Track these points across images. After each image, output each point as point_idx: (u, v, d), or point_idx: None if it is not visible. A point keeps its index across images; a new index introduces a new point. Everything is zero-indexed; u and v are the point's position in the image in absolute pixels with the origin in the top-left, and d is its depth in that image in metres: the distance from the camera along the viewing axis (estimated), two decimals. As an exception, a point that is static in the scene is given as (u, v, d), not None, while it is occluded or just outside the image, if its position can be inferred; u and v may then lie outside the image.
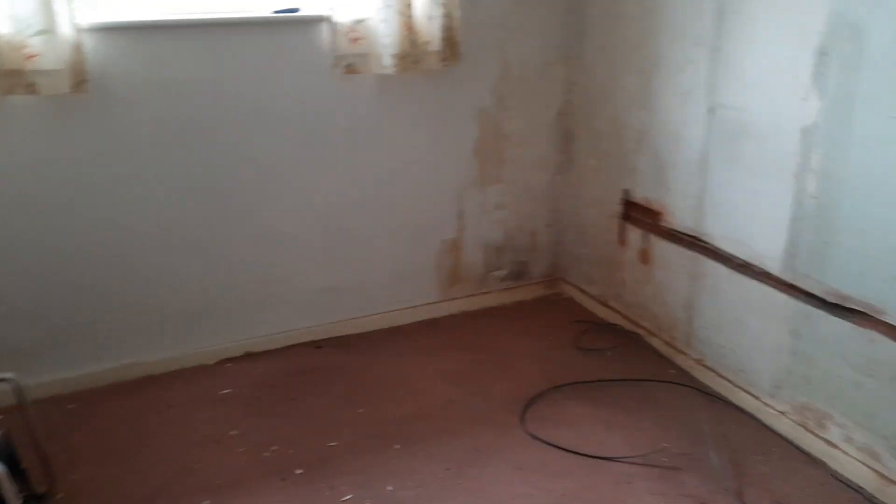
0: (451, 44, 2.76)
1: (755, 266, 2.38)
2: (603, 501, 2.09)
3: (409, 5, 2.62)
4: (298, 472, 2.24)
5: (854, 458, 2.14)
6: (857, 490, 2.11)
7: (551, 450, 2.32)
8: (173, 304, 2.72)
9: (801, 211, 2.18)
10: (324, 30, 2.65)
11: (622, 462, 2.25)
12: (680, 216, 2.65)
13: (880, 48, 1.89)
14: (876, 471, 2.08)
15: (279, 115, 2.68)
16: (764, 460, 2.25)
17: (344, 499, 2.12)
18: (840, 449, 2.18)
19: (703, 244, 2.57)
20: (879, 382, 2.03)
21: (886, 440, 2.05)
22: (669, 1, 2.53)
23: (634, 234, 2.89)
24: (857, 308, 2.06)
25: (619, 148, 2.89)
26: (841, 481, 2.15)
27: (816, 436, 2.25)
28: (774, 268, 2.31)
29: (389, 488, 2.17)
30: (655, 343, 2.86)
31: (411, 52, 2.68)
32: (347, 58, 2.67)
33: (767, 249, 2.32)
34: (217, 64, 2.55)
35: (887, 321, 1.98)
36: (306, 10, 2.68)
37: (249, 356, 2.88)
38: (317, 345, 2.97)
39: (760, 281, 2.36)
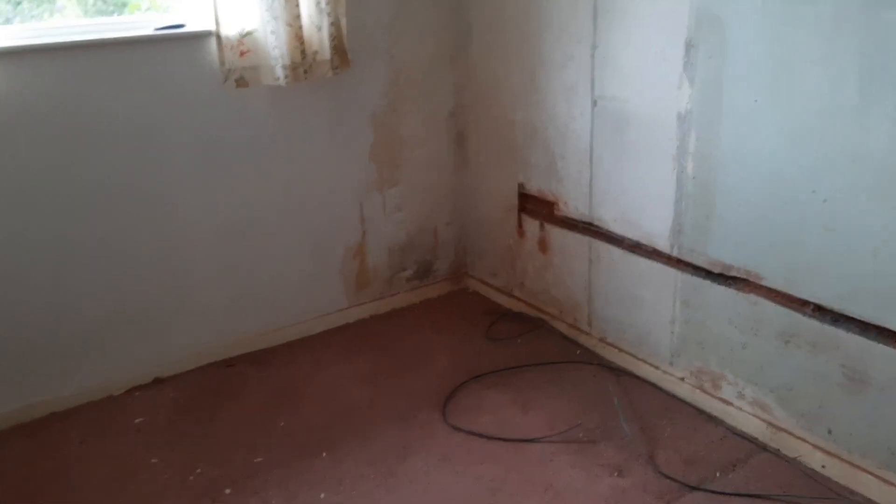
0: (340, 51, 2.79)
1: (646, 245, 2.56)
2: (529, 481, 2.20)
3: (297, 16, 2.62)
4: (227, 491, 2.22)
5: (747, 412, 2.35)
6: (752, 441, 2.32)
7: (475, 438, 2.41)
8: (70, 333, 2.61)
9: (682, 191, 2.37)
10: (211, 44, 2.62)
11: (542, 442, 2.37)
12: (573, 204, 2.81)
13: (741, 38, 2.09)
14: (767, 421, 2.30)
15: (171, 132, 2.63)
16: (669, 423, 2.43)
17: (277, 511, 2.13)
18: (734, 405, 2.39)
19: (596, 229, 2.73)
20: (763, 341, 2.25)
21: (773, 392, 2.26)
22: (549, 2, 2.67)
23: (532, 225, 3.03)
24: (739, 276, 2.27)
25: (510, 144, 3.02)
26: (737, 434, 2.35)
27: (712, 396, 2.45)
28: (663, 245, 2.49)
29: (322, 496, 2.19)
30: (560, 326, 3.01)
31: (302, 63, 2.69)
32: (237, 71, 2.64)
33: (656, 229, 2.50)
34: (103, 84, 2.47)
35: (766, 285, 2.19)
36: (191, 26, 2.64)
37: (159, 382, 2.81)
38: (228, 363, 2.93)
39: (652, 258, 2.55)
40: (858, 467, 2.08)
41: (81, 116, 2.46)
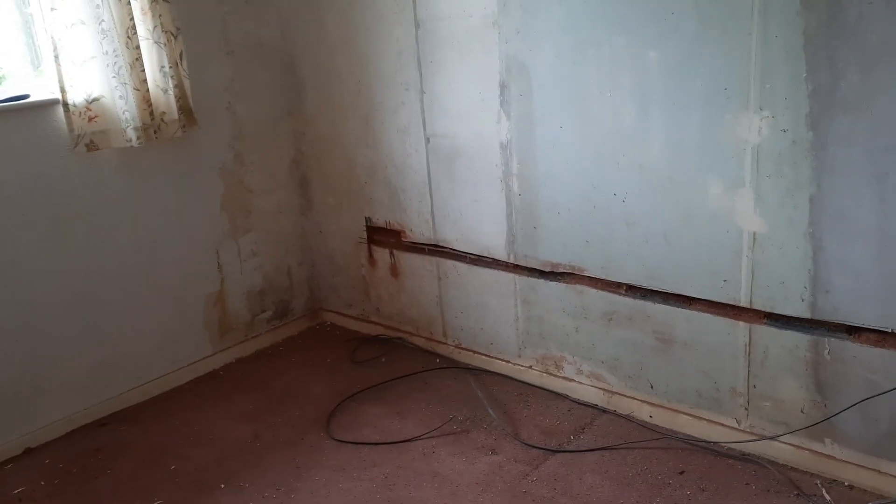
0: (186, 111, 2.97)
1: (486, 257, 2.97)
2: (417, 473, 2.49)
3: (143, 81, 2.78)
4: (134, 536, 2.29)
5: (586, 384, 2.81)
6: (594, 407, 2.77)
7: (361, 447, 2.65)
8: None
9: (512, 207, 2.81)
10: (58, 112, 2.70)
11: (422, 439, 2.67)
12: (418, 231, 3.17)
13: (543, 78, 2.58)
14: (602, 389, 2.76)
15: (20, 203, 2.66)
16: (525, 405, 2.83)
17: (189, 545, 2.24)
18: (575, 381, 2.84)
19: (441, 249, 3.11)
20: (592, 322, 2.72)
21: (604, 363, 2.74)
22: (377, 55, 3.04)
23: (382, 254, 3.35)
24: (566, 271, 2.74)
25: (354, 183, 3.33)
26: (581, 404, 2.80)
27: (557, 376, 2.89)
28: (501, 255, 2.91)
29: (230, 522, 2.33)
30: (418, 341, 3.34)
31: (152, 123, 2.83)
32: (87, 136, 2.73)
33: (493, 242, 2.92)
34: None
35: (588, 275, 2.68)
36: (36, 96, 2.71)
37: (30, 452, 2.76)
38: (101, 423, 2.93)
39: (492, 268, 2.96)
40: (677, 411, 2.58)
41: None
